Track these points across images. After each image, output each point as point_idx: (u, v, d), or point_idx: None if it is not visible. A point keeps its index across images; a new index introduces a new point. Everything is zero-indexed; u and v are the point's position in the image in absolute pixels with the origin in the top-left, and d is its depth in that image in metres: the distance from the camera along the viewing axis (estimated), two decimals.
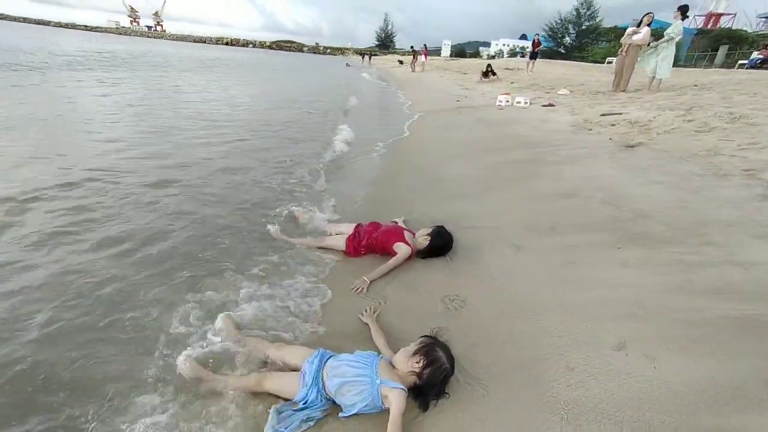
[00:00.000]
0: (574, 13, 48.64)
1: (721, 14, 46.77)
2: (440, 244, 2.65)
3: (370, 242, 2.71)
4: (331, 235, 2.95)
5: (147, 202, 3.46)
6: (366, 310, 2.13)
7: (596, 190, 3.71)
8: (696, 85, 9.30)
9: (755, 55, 19.08)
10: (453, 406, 1.57)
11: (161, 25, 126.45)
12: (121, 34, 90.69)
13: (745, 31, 37.71)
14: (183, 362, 1.64)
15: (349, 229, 2.90)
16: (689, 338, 1.83)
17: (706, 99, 6.74)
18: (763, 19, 41.81)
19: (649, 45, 8.55)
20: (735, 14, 46.15)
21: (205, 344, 1.86)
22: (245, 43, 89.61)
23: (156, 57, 24.43)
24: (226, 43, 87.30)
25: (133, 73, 13.89)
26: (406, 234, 2.70)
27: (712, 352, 1.72)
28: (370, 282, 2.40)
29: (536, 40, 18.72)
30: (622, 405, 1.52)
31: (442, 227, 2.73)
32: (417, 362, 1.56)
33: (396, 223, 3.05)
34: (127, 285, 2.32)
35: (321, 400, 1.53)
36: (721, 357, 1.70)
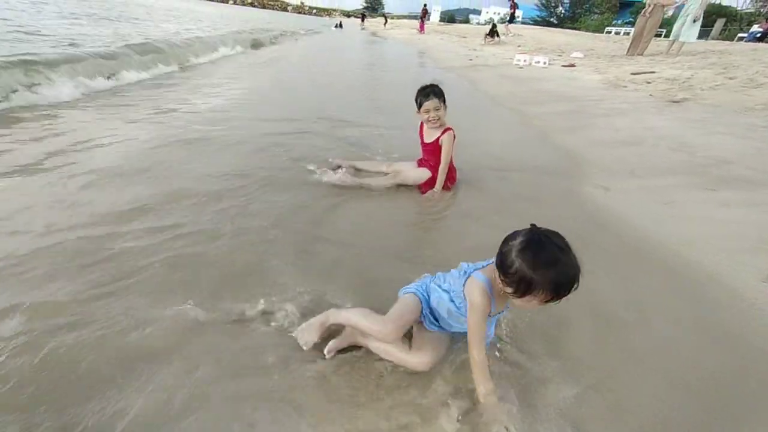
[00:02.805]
0: None
1: None
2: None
3: (427, 156, 2.50)
4: (393, 171, 2.66)
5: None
6: None
7: (658, 139, 3.55)
8: (714, 52, 9.18)
9: (755, 28, 19.05)
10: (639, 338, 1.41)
11: None
12: None
13: (735, 8, 37.90)
14: None
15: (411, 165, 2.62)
16: None
17: (735, 61, 6.62)
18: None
19: (688, 17, 8.04)
20: None
21: None
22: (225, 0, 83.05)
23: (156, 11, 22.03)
24: None
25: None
26: None
27: None
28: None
29: (514, 3, 19.57)
30: None
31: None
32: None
33: None
34: None
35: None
36: None
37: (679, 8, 8.56)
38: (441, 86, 2.32)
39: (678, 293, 1.64)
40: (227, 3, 78.44)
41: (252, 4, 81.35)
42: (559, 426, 1.06)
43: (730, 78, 5.23)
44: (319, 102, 4.76)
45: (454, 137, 2.36)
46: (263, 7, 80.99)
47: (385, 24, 37.46)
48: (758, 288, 1.66)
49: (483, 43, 15.44)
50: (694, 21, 7.89)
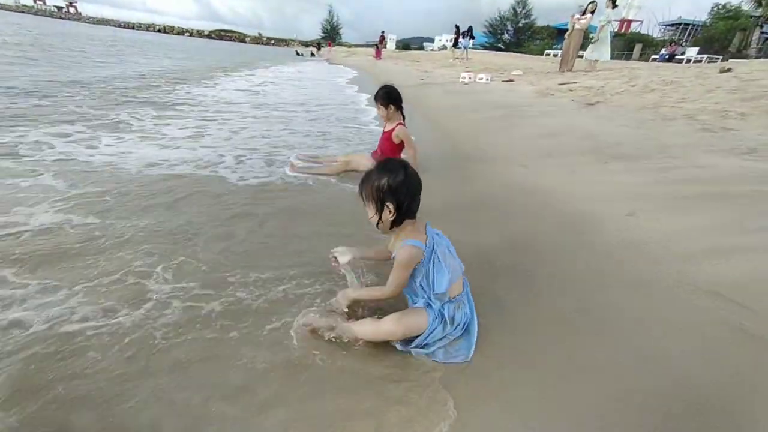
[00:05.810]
0: (512, 11, 51.71)
1: (631, 21, 53.02)
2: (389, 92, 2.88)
3: (382, 150, 3.00)
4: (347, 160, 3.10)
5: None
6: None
7: (573, 131, 4.28)
8: (628, 68, 10.66)
9: (663, 51, 22.26)
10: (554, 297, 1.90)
11: (74, 6, 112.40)
12: (23, 12, 78.05)
13: (651, 36, 43.32)
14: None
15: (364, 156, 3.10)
16: (677, 206, 2.35)
17: (640, 74, 7.83)
18: (664, 26, 48.56)
19: (591, 39, 9.61)
20: (642, 21, 53.18)
21: None
22: (180, 31, 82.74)
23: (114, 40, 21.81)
24: (159, 31, 79.88)
25: None
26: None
27: (695, 212, 2.25)
28: None
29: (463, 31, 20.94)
30: (647, 241, 1.97)
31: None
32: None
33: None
34: None
35: None
36: (703, 215, 2.23)
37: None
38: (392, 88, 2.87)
39: (574, 231, 2.18)
40: (183, 35, 78.21)
41: (209, 36, 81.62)
42: None
43: (633, 85, 6.26)
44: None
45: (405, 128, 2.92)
46: (220, 38, 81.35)
47: (317, 51, 34.57)
48: (625, 220, 2.24)
49: (452, 61, 16.56)
50: (594, 41, 9.44)
